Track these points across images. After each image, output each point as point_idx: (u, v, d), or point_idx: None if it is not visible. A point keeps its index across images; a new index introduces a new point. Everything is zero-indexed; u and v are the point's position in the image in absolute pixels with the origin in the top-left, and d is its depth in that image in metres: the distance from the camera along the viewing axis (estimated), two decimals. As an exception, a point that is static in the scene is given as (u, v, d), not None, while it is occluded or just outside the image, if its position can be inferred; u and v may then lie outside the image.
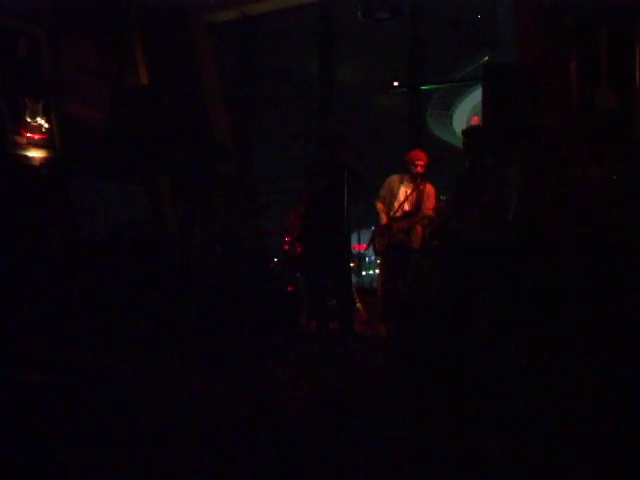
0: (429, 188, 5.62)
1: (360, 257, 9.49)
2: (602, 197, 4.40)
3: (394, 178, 5.78)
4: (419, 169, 5.56)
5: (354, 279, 8.96)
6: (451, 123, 20.03)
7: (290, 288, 6.23)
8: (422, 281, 5.24)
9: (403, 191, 5.66)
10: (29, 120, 5.85)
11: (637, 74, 4.49)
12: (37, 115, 5.92)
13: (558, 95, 4.89)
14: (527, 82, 4.44)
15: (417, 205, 5.57)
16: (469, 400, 3.47)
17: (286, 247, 6.54)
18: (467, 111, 19.13)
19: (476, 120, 5.90)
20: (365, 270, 10.90)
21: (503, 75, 4.48)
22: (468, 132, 5.11)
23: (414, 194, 5.56)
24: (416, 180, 5.58)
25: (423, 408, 3.45)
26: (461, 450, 2.80)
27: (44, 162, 5.97)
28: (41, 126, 5.94)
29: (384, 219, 5.65)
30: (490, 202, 4.57)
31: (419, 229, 5.54)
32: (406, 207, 5.55)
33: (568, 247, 4.35)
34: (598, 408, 3.19)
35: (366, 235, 7.12)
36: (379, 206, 5.77)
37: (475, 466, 2.67)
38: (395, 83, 8.69)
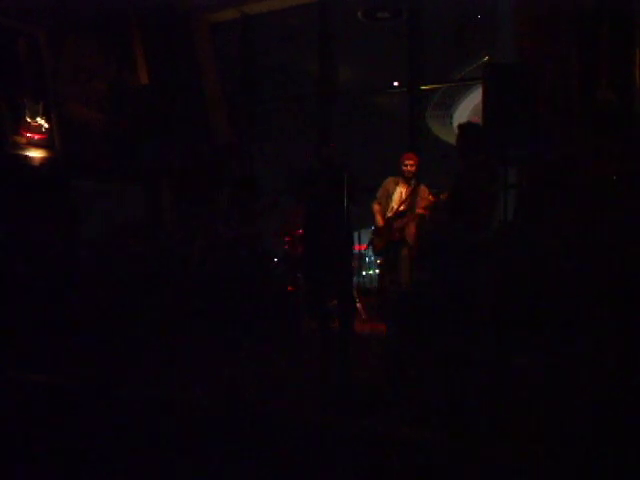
0: (422, 189, 5.79)
1: (360, 257, 9.49)
2: (602, 196, 4.40)
3: (389, 180, 5.99)
4: (410, 168, 5.78)
5: (355, 279, 8.96)
6: (451, 123, 20.05)
7: (290, 288, 6.24)
8: (416, 279, 5.30)
9: (398, 192, 5.87)
10: (29, 120, 5.85)
11: (637, 73, 4.49)
12: (37, 115, 5.92)
13: (558, 94, 4.90)
14: (527, 82, 4.44)
15: (411, 205, 5.73)
16: (468, 399, 3.48)
17: (286, 247, 6.55)
18: (467, 111, 19.15)
19: (476, 120, 5.92)
20: (365, 270, 10.89)
21: (503, 75, 4.48)
22: (463, 127, 5.14)
23: (408, 194, 5.74)
24: (409, 181, 5.78)
25: (423, 408, 3.45)
26: (461, 450, 2.81)
27: (44, 162, 5.97)
28: (41, 126, 5.94)
29: (379, 220, 5.85)
30: (478, 199, 4.60)
31: (412, 227, 5.68)
32: (401, 207, 5.73)
33: (568, 246, 4.36)
34: (597, 408, 3.19)
35: (366, 235, 7.16)
36: (375, 208, 5.99)
37: (474, 466, 2.67)
38: (395, 83, 8.70)
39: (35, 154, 5.91)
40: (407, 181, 5.82)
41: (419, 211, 5.62)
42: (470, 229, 4.56)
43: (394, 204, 5.82)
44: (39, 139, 5.92)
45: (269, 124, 9.09)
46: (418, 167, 5.83)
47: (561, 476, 2.57)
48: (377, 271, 7.12)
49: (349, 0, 8.31)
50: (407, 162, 5.80)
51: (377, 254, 6.43)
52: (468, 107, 19.15)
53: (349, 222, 5.04)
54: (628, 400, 3.19)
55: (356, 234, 7.82)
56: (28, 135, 5.84)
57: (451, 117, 20.31)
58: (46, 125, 6.01)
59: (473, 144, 4.79)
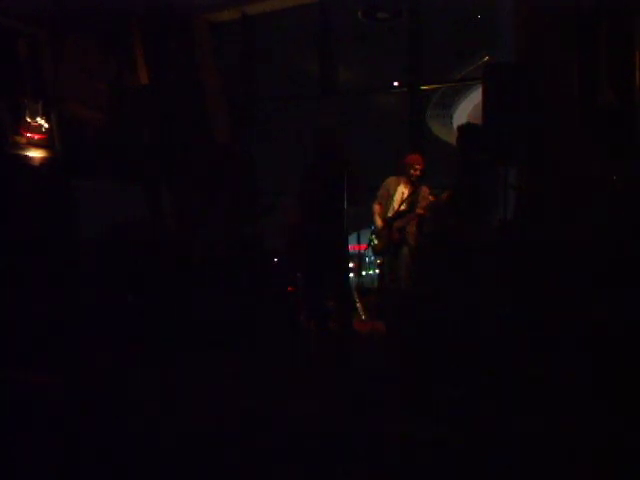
0: (424, 190, 5.77)
1: (360, 257, 9.50)
2: (602, 196, 4.40)
3: (391, 180, 5.93)
4: (417, 173, 5.73)
5: (354, 279, 8.95)
6: (451, 123, 20.07)
7: (290, 288, 6.24)
8: (417, 278, 5.31)
9: (400, 192, 5.83)
10: (29, 120, 5.84)
11: (637, 74, 4.49)
12: (37, 115, 5.91)
13: (558, 95, 4.89)
14: (527, 82, 4.44)
15: (412, 206, 5.71)
16: (468, 399, 3.48)
17: (286, 247, 6.54)
18: (467, 111, 19.17)
19: (476, 120, 5.95)
20: (365, 270, 10.90)
21: (503, 75, 4.48)
22: (462, 128, 5.14)
23: (410, 195, 5.72)
24: (413, 183, 5.75)
25: (422, 407, 3.45)
26: (460, 449, 2.81)
27: (44, 162, 5.96)
28: (41, 126, 5.94)
29: (379, 221, 5.84)
30: (478, 199, 4.60)
31: (412, 227, 5.68)
32: (402, 207, 5.70)
33: (568, 246, 4.36)
34: (595, 407, 3.19)
35: (366, 235, 7.17)
36: (376, 208, 5.95)
37: (473, 465, 2.67)
38: (395, 83, 8.70)
39: (35, 154, 5.90)
40: (411, 183, 5.78)
41: (419, 211, 5.60)
42: (470, 229, 4.56)
43: (395, 204, 5.77)
44: (39, 139, 5.92)
45: (269, 124, 9.09)
46: (424, 170, 5.79)
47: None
48: (377, 271, 7.13)
49: (349, 0, 8.31)
50: (416, 167, 5.71)
51: (377, 254, 6.40)
52: (468, 107, 19.19)
53: (347, 221, 5.03)
54: (626, 399, 3.19)
55: (356, 234, 7.83)
56: (28, 135, 5.83)
57: (451, 117, 20.34)
58: (46, 125, 6.00)
59: (473, 144, 4.79)
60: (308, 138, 5.48)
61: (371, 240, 6.01)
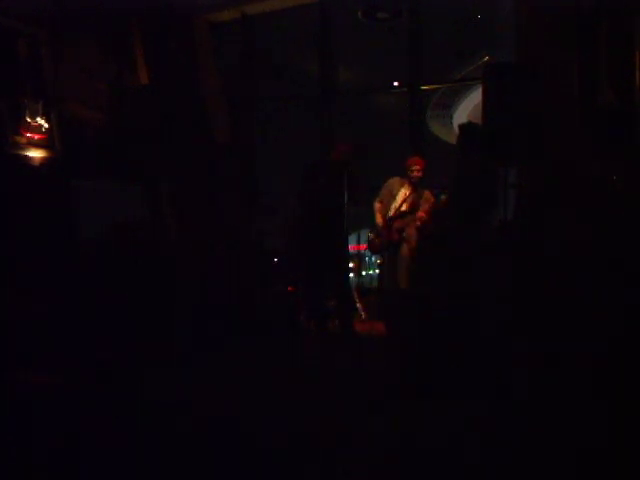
0: (427, 193, 5.84)
1: (360, 257, 9.51)
2: (603, 197, 4.40)
3: (394, 181, 6.00)
4: (416, 173, 5.83)
5: (354, 279, 8.96)
6: (451, 123, 20.07)
7: (290, 288, 6.25)
8: (415, 280, 5.32)
9: (402, 193, 5.90)
10: (29, 120, 5.83)
11: (637, 74, 4.49)
12: (37, 115, 5.90)
13: (558, 95, 4.90)
14: (527, 82, 4.44)
15: (414, 207, 5.77)
16: (467, 399, 3.48)
17: (286, 247, 6.56)
18: (467, 111, 19.16)
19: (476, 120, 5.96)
20: (365, 270, 10.91)
21: (503, 75, 4.48)
22: (463, 127, 5.15)
23: (411, 197, 5.78)
24: (414, 184, 5.83)
25: (422, 407, 3.46)
26: (460, 452, 2.81)
27: (44, 162, 5.96)
28: (41, 126, 5.93)
29: (378, 219, 5.90)
30: (479, 200, 4.61)
31: (412, 228, 5.71)
32: (403, 208, 5.76)
33: (568, 246, 4.35)
34: (596, 411, 3.19)
35: (366, 234, 7.19)
36: (377, 206, 6.01)
37: (473, 465, 2.67)
38: (395, 83, 8.71)
39: (35, 154, 5.89)
40: (413, 185, 5.85)
41: (421, 214, 5.62)
42: (470, 229, 4.56)
43: (397, 204, 5.84)
44: (39, 139, 5.91)
45: (269, 124, 9.09)
46: (425, 171, 5.87)
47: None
48: (377, 271, 7.14)
49: (349, 0, 8.31)
50: (414, 167, 5.81)
51: (374, 253, 6.47)
52: (468, 107, 19.17)
53: (347, 221, 5.04)
54: (624, 397, 3.19)
55: (356, 234, 7.85)
56: (28, 135, 5.82)
57: (451, 117, 20.34)
58: (46, 125, 5.99)
59: (473, 144, 4.80)
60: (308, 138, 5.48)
61: (370, 238, 6.06)
